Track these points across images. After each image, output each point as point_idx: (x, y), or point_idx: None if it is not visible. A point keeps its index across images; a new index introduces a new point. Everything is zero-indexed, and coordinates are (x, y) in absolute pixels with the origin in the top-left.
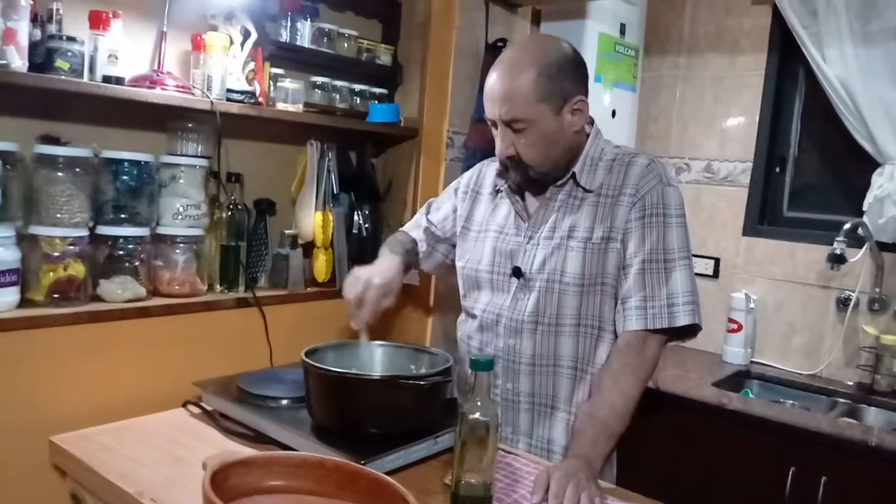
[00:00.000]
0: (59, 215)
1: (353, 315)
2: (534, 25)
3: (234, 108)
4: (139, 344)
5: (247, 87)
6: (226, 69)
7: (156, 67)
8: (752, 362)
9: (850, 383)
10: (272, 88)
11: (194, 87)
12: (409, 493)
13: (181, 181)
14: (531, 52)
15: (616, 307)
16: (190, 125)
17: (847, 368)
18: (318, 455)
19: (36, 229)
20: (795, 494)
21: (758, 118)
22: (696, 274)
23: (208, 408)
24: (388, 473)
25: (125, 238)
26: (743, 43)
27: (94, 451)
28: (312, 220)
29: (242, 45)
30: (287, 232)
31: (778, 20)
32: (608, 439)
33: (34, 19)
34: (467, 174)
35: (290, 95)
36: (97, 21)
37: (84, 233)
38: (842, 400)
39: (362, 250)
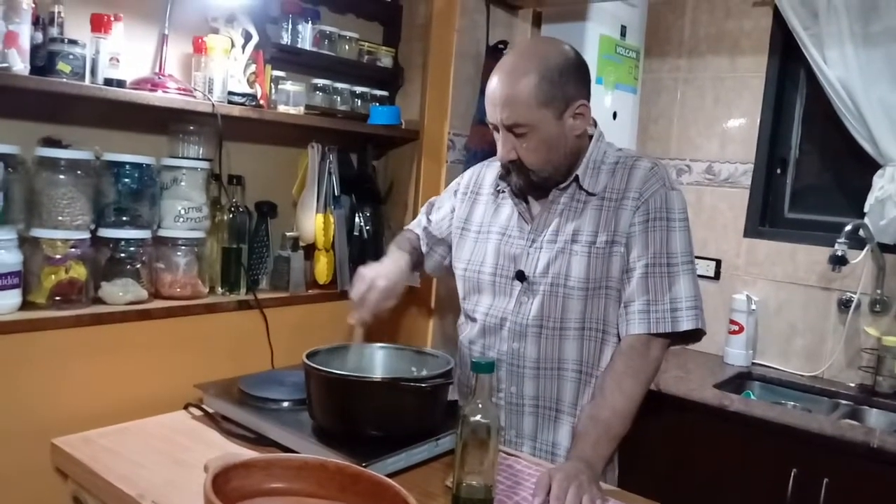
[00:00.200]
0: (60, 218)
1: (354, 311)
2: (535, 28)
3: (236, 111)
4: (141, 346)
5: (248, 90)
6: (227, 72)
7: (157, 70)
8: (753, 364)
9: (852, 385)
10: (273, 91)
11: (196, 89)
12: (410, 496)
13: (182, 184)
14: (533, 56)
15: (620, 310)
16: (191, 128)
17: (849, 370)
18: (320, 457)
19: (38, 232)
20: (797, 496)
21: (758, 120)
22: (698, 276)
23: (210, 410)
24: (390, 476)
25: (127, 240)
26: (743, 44)
27: (95, 453)
28: (313, 223)
29: (244, 47)
30: (288, 234)
31: (778, 21)
32: (610, 441)
33: (36, 22)
34: (467, 174)
35: (292, 98)
36: (99, 24)
37: (86, 235)
38: (843, 402)
39: (363, 252)
